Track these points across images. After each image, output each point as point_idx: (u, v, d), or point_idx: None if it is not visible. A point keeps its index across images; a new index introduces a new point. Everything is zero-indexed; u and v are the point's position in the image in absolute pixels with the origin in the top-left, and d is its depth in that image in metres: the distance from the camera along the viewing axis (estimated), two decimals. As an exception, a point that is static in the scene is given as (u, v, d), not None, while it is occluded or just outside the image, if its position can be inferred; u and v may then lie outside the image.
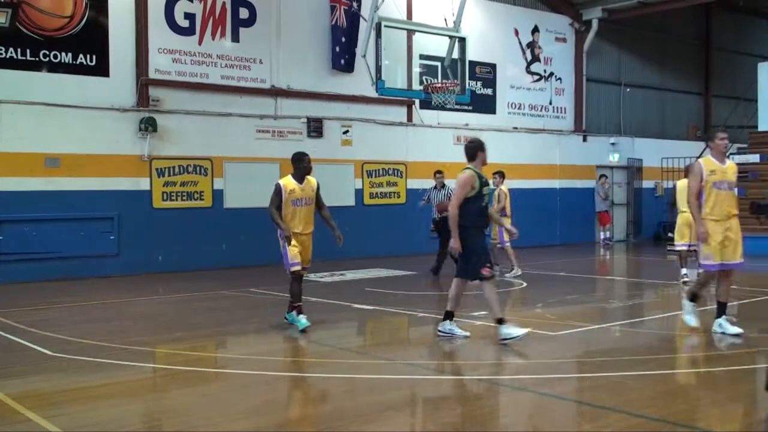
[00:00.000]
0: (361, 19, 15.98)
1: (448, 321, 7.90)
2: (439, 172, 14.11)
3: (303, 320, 8.41)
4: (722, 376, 6.55)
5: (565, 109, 21.59)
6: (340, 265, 14.70)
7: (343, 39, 16.76)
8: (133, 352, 7.51)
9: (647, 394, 5.88)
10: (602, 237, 21.54)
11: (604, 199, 21.59)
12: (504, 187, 13.86)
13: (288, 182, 8.55)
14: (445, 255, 12.57)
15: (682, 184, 11.79)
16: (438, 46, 15.69)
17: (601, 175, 21.97)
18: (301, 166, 8.57)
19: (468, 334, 7.84)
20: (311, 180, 8.67)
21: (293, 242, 8.37)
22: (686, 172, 11.09)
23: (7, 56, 13.18)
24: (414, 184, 18.02)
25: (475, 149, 7.77)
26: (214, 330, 9.11)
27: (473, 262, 7.59)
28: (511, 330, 7.48)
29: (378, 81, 13.23)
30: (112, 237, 14.23)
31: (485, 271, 7.51)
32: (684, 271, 12.33)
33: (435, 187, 14.09)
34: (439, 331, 7.94)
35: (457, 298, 7.87)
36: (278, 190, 8.51)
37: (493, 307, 7.56)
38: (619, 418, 5.22)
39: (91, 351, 7.49)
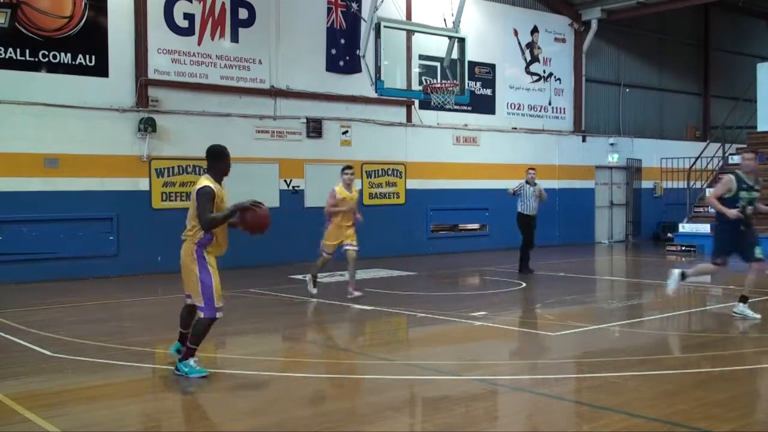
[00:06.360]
0: (360, 20, 15.96)
1: (741, 304, 9.00)
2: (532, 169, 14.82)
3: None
4: (722, 376, 6.54)
5: (564, 109, 21.59)
6: (340, 266, 14.67)
7: (343, 41, 16.75)
8: (132, 353, 7.51)
9: (646, 395, 5.88)
10: None
11: None
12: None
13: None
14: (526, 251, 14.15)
15: None
16: (437, 47, 15.67)
17: None
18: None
19: (759, 316, 8.86)
20: None
21: None
22: None
23: (7, 56, 13.16)
24: (413, 184, 18.01)
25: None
26: (213, 330, 9.05)
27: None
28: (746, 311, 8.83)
29: (377, 81, 13.20)
30: (111, 237, 14.22)
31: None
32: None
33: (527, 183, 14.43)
34: (734, 312, 9.04)
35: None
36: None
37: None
38: (619, 418, 5.22)
39: (90, 351, 7.49)
